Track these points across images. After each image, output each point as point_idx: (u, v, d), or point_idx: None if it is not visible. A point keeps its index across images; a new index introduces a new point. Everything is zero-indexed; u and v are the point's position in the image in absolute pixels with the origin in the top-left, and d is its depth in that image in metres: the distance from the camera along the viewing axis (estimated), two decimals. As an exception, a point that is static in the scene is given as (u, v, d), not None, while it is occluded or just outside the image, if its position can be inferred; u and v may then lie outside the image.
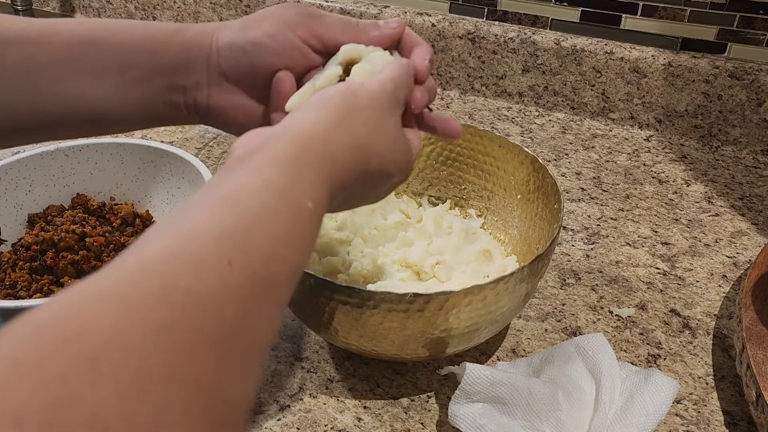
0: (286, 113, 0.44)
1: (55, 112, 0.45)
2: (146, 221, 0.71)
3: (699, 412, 0.56)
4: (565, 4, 0.96)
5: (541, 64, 0.98)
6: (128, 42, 0.45)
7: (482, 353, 0.61)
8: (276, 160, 0.31)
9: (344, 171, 0.35)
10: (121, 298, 0.23)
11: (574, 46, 0.95)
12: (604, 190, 0.84)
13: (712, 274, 0.71)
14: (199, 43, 0.46)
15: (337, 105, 0.37)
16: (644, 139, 0.95)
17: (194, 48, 0.46)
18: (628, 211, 0.80)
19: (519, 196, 0.66)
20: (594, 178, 0.86)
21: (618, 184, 0.85)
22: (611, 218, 0.79)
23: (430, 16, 1.02)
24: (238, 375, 0.25)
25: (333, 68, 0.46)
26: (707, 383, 0.59)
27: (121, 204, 0.72)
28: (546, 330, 0.64)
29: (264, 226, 0.28)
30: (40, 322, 0.22)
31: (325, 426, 0.54)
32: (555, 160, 0.89)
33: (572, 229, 0.77)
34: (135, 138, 0.88)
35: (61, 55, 0.44)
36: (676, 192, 0.84)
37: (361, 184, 0.38)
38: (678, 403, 0.57)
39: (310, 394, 0.57)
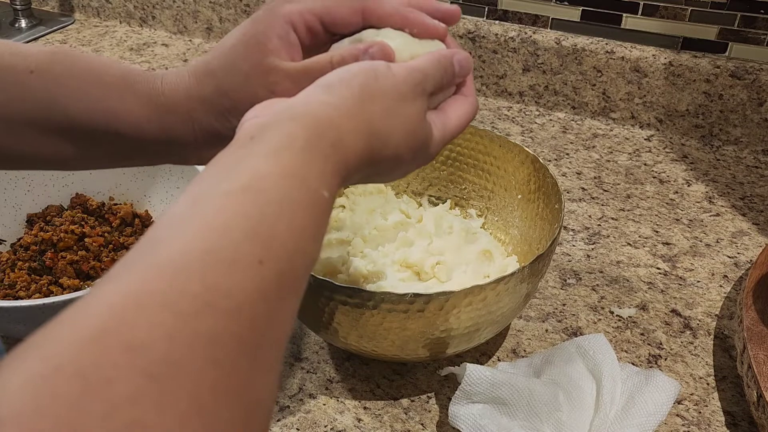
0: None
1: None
2: (145, 221, 0.71)
3: (700, 412, 0.56)
4: (566, 3, 0.95)
5: (542, 63, 0.98)
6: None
7: (482, 354, 0.61)
8: (291, 146, 0.31)
9: (356, 156, 0.35)
10: (170, 305, 0.23)
11: (575, 46, 0.95)
12: (605, 190, 0.84)
13: (713, 274, 0.70)
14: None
15: (357, 89, 0.36)
16: (645, 139, 0.94)
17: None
18: (629, 211, 0.80)
19: (519, 196, 0.66)
20: (595, 177, 0.86)
21: (619, 184, 0.85)
22: (612, 218, 0.79)
23: (431, 15, 1.02)
24: (266, 372, 0.26)
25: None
26: (708, 384, 0.59)
27: (120, 204, 0.72)
28: (546, 330, 0.63)
29: (287, 220, 0.28)
30: (94, 327, 0.22)
31: (325, 427, 0.54)
32: (555, 159, 0.89)
33: (573, 229, 0.77)
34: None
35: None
36: (677, 192, 0.84)
37: (374, 167, 0.38)
38: (679, 403, 0.57)
39: (309, 395, 0.57)
